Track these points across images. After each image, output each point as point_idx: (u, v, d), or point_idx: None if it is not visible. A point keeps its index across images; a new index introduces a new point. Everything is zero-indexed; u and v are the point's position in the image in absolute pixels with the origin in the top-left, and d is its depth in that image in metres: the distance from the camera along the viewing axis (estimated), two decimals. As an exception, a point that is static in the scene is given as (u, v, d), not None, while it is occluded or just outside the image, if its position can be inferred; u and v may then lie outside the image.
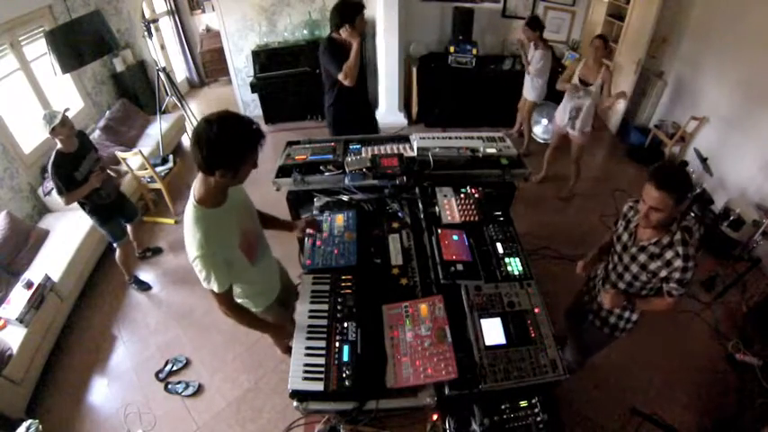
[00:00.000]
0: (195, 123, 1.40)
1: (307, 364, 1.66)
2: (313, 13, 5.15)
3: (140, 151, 3.74)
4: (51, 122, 2.45)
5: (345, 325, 1.77)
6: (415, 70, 5.13)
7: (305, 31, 5.19)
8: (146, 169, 3.88)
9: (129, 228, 3.23)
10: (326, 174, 2.55)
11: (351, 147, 2.85)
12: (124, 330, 3.12)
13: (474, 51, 4.83)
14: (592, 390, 2.55)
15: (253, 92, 5.38)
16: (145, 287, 3.41)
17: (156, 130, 4.67)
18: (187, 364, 2.84)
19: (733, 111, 3.88)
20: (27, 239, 3.24)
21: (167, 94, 4.80)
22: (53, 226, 3.47)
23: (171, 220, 4.08)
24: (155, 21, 6.04)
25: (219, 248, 1.49)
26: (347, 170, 2.52)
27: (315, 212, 2.35)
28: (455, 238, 2.11)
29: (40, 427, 2.19)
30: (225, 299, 1.62)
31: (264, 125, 5.52)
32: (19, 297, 2.70)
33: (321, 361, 1.66)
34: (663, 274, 1.68)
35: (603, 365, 2.59)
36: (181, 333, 3.06)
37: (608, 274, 1.96)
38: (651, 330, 2.67)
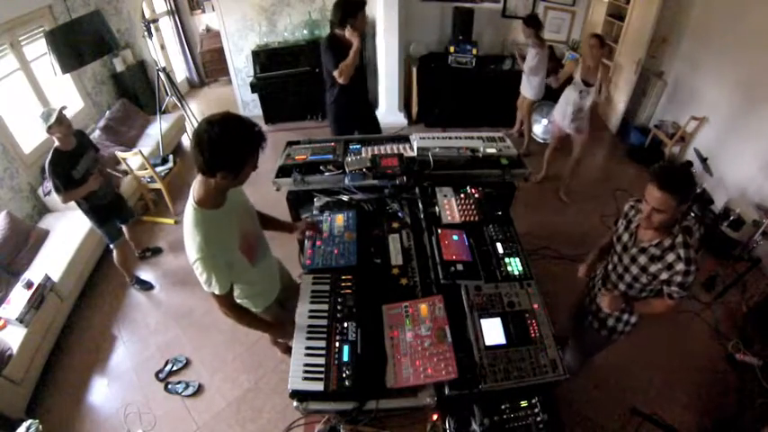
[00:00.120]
0: (196, 124, 1.39)
1: (307, 364, 1.66)
2: (313, 13, 5.15)
3: (140, 151, 3.74)
4: (47, 121, 2.44)
5: (345, 325, 1.77)
6: (415, 70, 5.13)
7: (305, 31, 5.19)
8: (146, 169, 3.88)
9: (124, 229, 3.22)
10: (326, 174, 2.55)
11: (351, 147, 2.85)
12: (124, 330, 3.12)
13: (474, 51, 4.83)
14: (592, 390, 2.55)
15: (253, 92, 5.38)
16: (147, 286, 3.41)
17: (156, 130, 4.67)
18: (187, 364, 2.84)
19: (733, 111, 3.88)
20: (27, 239, 3.24)
21: (167, 94, 4.80)
22: (53, 226, 3.47)
23: (171, 220, 4.08)
24: (155, 21, 6.04)
25: (219, 250, 1.49)
26: (347, 170, 2.52)
27: (315, 212, 2.35)
28: (455, 238, 2.11)
29: (40, 427, 2.19)
30: (226, 300, 1.62)
31: (264, 125, 5.52)
32: (19, 297, 2.70)
33: (321, 361, 1.66)
34: (663, 276, 1.66)
35: (603, 365, 2.59)
36: (181, 333, 3.06)
37: (608, 275, 1.95)
38: (651, 330, 2.67)
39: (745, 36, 3.72)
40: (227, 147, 1.32)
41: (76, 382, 2.78)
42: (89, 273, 3.44)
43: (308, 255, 2.08)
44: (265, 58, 5.11)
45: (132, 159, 3.85)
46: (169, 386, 2.70)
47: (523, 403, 1.60)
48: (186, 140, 5.34)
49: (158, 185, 3.99)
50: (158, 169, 4.02)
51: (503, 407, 1.58)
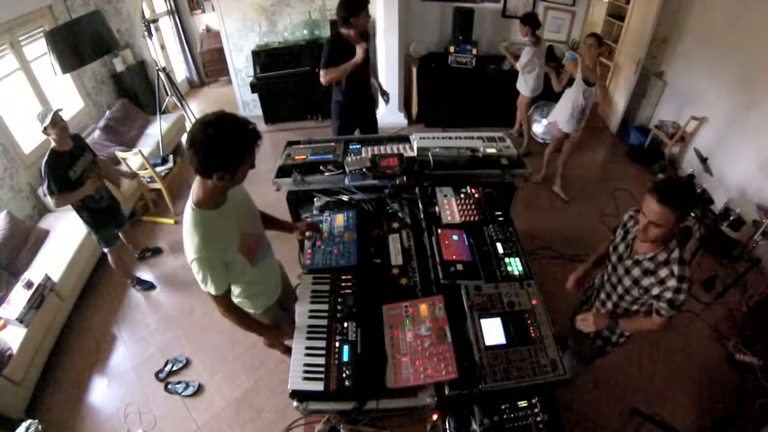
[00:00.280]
0: (191, 125, 1.38)
1: (307, 364, 1.66)
2: (313, 13, 5.15)
3: (140, 151, 3.74)
4: (43, 122, 2.42)
5: (345, 325, 1.77)
6: (415, 70, 5.13)
7: (305, 31, 5.19)
8: (146, 169, 3.88)
9: (121, 234, 3.23)
10: (326, 174, 2.55)
11: (351, 147, 2.85)
12: (124, 330, 3.12)
13: (474, 51, 4.83)
14: (592, 390, 2.55)
15: (253, 92, 5.38)
16: (147, 286, 3.41)
17: (156, 130, 4.67)
18: (187, 364, 2.84)
19: (733, 111, 3.88)
20: (27, 239, 3.24)
21: (167, 94, 4.80)
22: (53, 226, 3.46)
23: (171, 220, 4.09)
24: (155, 21, 6.04)
25: (218, 252, 1.49)
26: (347, 170, 2.52)
27: (315, 212, 2.35)
28: (455, 238, 2.11)
29: (40, 427, 2.19)
30: (222, 300, 1.62)
31: (264, 125, 5.52)
32: (19, 297, 2.70)
33: (321, 361, 1.66)
34: (655, 291, 1.61)
35: (603, 365, 2.58)
36: (181, 333, 3.06)
37: (602, 285, 1.91)
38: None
39: (745, 36, 3.72)
40: (221, 147, 1.31)
41: (76, 382, 2.78)
42: (89, 273, 3.44)
43: (308, 255, 2.09)
44: (265, 58, 5.12)
45: (132, 159, 3.85)
46: (169, 386, 2.70)
47: (523, 403, 1.60)
48: (185, 139, 5.33)
49: (158, 185, 3.99)
50: (158, 169, 4.02)
51: (503, 407, 1.58)
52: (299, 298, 1.91)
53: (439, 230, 2.15)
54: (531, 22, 4.06)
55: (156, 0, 6.30)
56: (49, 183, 2.51)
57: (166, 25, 6.58)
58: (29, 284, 2.77)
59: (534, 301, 1.84)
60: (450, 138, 2.82)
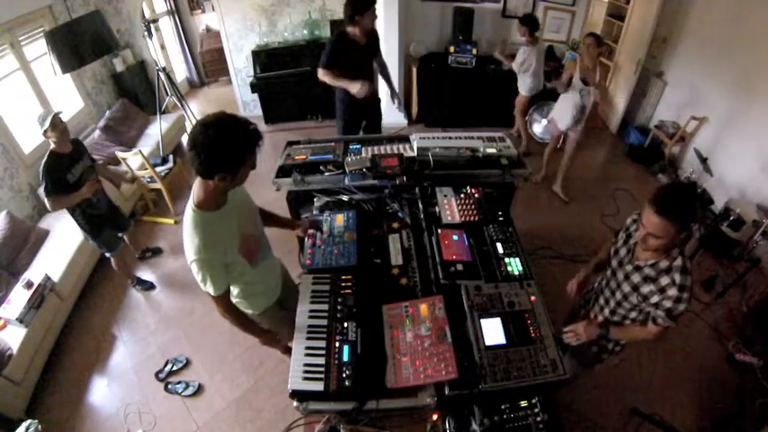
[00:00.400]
0: (192, 126, 1.38)
1: (307, 364, 1.66)
2: (313, 13, 5.15)
3: (140, 151, 3.74)
4: (43, 124, 2.41)
5: (345, 325, 1.77)
6: (415, 70, 5.13)
7: (305, 31, 5.19)
8: (146, 169, 3.88)
9: (125, 237, 3.23)
10: (326, 174, 2.55)
11: (351, 147, 2.85)
12: (124, 330, 3.12)
13: (474, 51, 4.83)
14: (592, 390, 2.55)
15: (253, 92, 5.38)
16: (148, 286, 3.41)
17: (156, 130, 4.67)
18: (187, 364, 2.84)
19: (733, 111, 3.88)
20: (27, 239, 3.24)
21: (167, 94, 4.80)
22: (53, 226, 3.46)
23: (171, 220, 4.09)
24: (155, 21, 6.05)
25: (218, 253, 1.49)
26: (347, 170, 2.52)
27: (315, 212, 2.34)
28: (455, 238, 2.11)
29: (40, 427, 2.19)
30: (222, 301, 1.63)
31: (264, 125, 5.52)
32: (19, 297, 2.70)
33: (321, 361, 1.66)
34: (654, 299, 1.56)
35: (603, 366, 2.59)
36: (181, 333, 3.06)
37: (602, 289, 1.87)
38: (651, 330, 2.67)
39: (745, 36, 3.72)
40: (222, 149, 1.31)
41: (76, 382, 2.78)
42: (89, 273, 3.44)
43: (308, 255, 2.08)
44: (265, 58, 5.12)
45: (132, 159, 3.85)
46: (169, 386, 2.70)
47: (523, 403, 1.59)
48: (186, 140, 5.33)
49: (158, 185, 3.99)
50: (158, 169, 4.02)
51: (503, 407, 1.58)
52: (299, 298, 1.91)
53: (439, 230, 2.14)
54: (529, 22, 4.10)
55: (156, 0, 6.30)
56: (46, 184, 2.49)
57: (166, 25, 6.58)
58: (29, 284, 2.77)
59: (533, 298, 1.84)
60: (450, 138, 2.82)
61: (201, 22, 6.96)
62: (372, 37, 3.20)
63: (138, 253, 3.62)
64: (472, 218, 2.26)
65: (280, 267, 2.09)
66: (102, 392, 2.73)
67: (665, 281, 1.53)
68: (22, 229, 3.25)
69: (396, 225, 2.23)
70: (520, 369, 1.62)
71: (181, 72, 6.97)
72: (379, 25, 4.79)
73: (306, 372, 1.64)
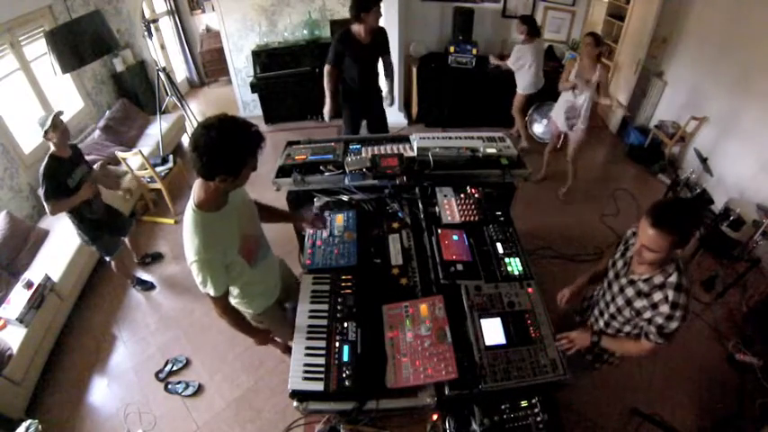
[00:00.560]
0: (194, 127, 1.38)
1: (307, 364, 1.66)
2: (313, 13, 5.15)
3: (140, 151, 3.74)
4: (44, 125, 2.39)
5: (345, 325, 1.77)
6: (415, 70, 5.13)
7: (305, 31, 5.19)
8: (146, 169, 3.88)
9: (126, 240, 3.20)
10: (326, 174, 2.55)
11: (351, 147, 2.85)
12: (124, 330, 3.12)
13: (474, 51, 4.83)
14: (592, 390, 2.55)
15: (253, 92, 5.38)
16: (147, 286, 3.41)
17: (156, 130, 4.67)
18: (187, 364, 2.84)
19: (733, 111, 3.88)
20: (27, 239, 3.24)
21: (167, 94, 4.80)
22: (53, 226, 3.46)
23: (171, 220, 4.09)
24: (155, 21, 6.04)
25: (217, 254, 1.49)
26: (347, 170, 2.52)
27: (315, 212, 2.34)
28: (455, 238, 2.11)
29: (40, 427, 2.19)
30: (221, 302, 1.63)
31: (264, 125, 5.52)
32: (19, 297, 2.70)
33: (321, 361, 1.66)
34: (647, 315, 1.53)
35: (603, 366, 2.59)
36: (181, 333, 3.06)
37: (598, 300, 1.85)
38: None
39: (745, 36, 3.72)
40: (224, 151, 1.31)
41: (76, 382, 2.78)
42: (89, 273, 3.44)
43: (308, 255, 2.09)
44: (265, 58, 5.12)
45: (132, 159, 3.85)
46: (169, 386, 2.70)
47: (523, 403, 1.60)
48: (186, 140, 5.33)
49: (158, 185, 3.99)
50: (158, 169, 4.02)
51: (503, 407, 1.59)
52: (299, 298, 1.91)
53: (439, 230, 2.15)
54: (530, 22, 4.18)
55: (156, 0, 6.30)
56: (46, 189, 2.45)
57: (166, 25, 6.57)
58: (29, 284, 2.77)
59: (530, 290, 1.85)
60: (450, 138, 2.82)
61: (201, 22, 6.96)
62: (380, 36, 3.24)
63: (137, 258, 3.57)
64: (472, 218, 2.26)
65: (279, 267, 2.09)
66: (102, 392, 2.73)
67: (657, 296, 1.49)
68: (22, 229, 3.25)
69: (396, 225, 2.23)
70: (520, 369, 1.62)
71: (181, 72, 6.97)
72: (380, 25, 4.81)
73: (306, 372, 1.64)
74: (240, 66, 5.48)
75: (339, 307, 1.84)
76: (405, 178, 2.45)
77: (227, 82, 6.31)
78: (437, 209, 2.31)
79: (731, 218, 3.35)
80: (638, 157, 4.81)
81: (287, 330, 1.92)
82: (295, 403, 1.60)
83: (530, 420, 1.56)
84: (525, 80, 4.44)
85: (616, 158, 4.99)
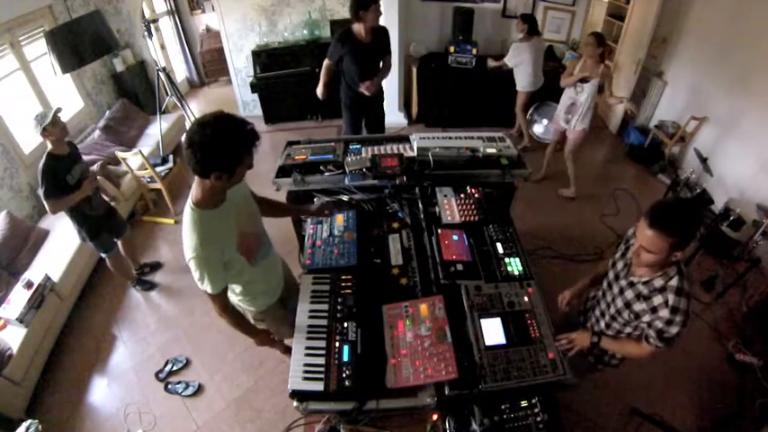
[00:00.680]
0: (189, 125, 1.39)
1: (307, 364, 1.66)
2: (313, 13, 5.15)
3: (140, 151, 3.74)
4: (43, 122, 2.36)
5: (345, 325, 1.77)
6: (415, 70, 5.13)
7: (305, 31, 5.19)
8: (146, 169, 3.88)
9: (119, 243, 3.13)
10: (326, 174, 2.55)
11: (351, 147, 2.85)
12: (124, 330, 3.12)
13: (474, 51, 4.83)
14: (592, 390, 2.55)
15: (253, 92, 5.38)
16: (147, 286, 3.41)
17: (156, 130, 4.67)
18: (187, 364, 2.84)
19: (733, 111, 3.88)
20: (27, 239, 3.23)
21: (167, 94, 4.80)
22: (53, 226, 3.46)
23: (171, 220, 4.09)
24: (155, 21, 6.05)
25: (215, 251, 1.49)
26: (347, 170, 2.52)
27: (312, 219, 2.33)
28: (455, 238, 2.11)
29: (40, 427, 2.19)
30: (219, 300, 1.63)
31: (264, 125, 5.52)
32: (19, 297, 2.70)
33: (321, 361, 1.66)
34: (646, 318, 1.51)
35: (605, 367, 2.59)
36: (181, 333, 3.06)
37: (599, 301, 1.84)
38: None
39: (745, 36, 3.72)
40: (219, 147, 1.31)
41: (76, 382, 2.78)
42: (89, 273, 3.44)
43: (308, 255, 2.08)
44: (265, 58, 5.12)
45: (132, 159, 3.85)
46: (169, 386, 2.70)
47: (523, 403, 1.60)
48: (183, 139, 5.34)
49: (158, 185, 3.99)
50: (158, 169, 4.02)
51: (503, 407, 1.58)
52: (299, 298, 1.91)
53: (439, 230, 2.15)
54: (530, 21, 4.21)
55: (156, 0, 6.30)
56: (46, 187, 2.43)
57: (166, 25, 6.58)
58: (29, 284, 2.77)
59: (530, 290, 1.85)
60: (450, 138, 2.82)
61: (201, 22, 6.96)
62: (381, 35, 3.24)
63: (136, 268, 3.47)
64: (472, 218, 2.26)
65: (281, 266, 2.09)
66: (102, 392, 2.73)
67: (657, 300, 1.46)
68: (22, 229, 3.25)
69: (396, 225, 2.23)
70: (520, 369, 1.62)
71: (181, 72, 6.97)
72: (382, 24, 4.81)
73: (306, 372, 1.64)
74: (240, 66, 5.48)
75: (339, 307, 1.84)
76: (405, 178, 2.45)
77: (227, 82, 6.31)
78: (437, 209, 2.31)
79: (731, 218, 3.35)
80: (638, 157, 4.80)
81: (288, 330, 1.92)
82: (295, 403, 1.60)
83: (530, 420, 1.56)
84: (524, 78, 4.45)
85: (616, 158, 4.99)
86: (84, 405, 2.66)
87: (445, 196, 2.39)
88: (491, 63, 4.71)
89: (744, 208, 3.38)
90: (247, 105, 5.81)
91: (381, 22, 3.33)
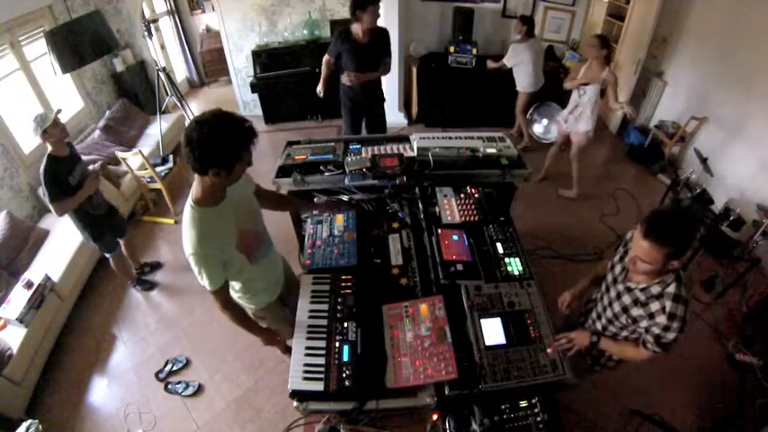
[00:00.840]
0: (188, 123, 1.40)
1: (307, 364, 1.66)
2: (313, 13, 5.15)
3: (140, 151, 3.74)
4: (43, 124, 2.34)
5: (345, 325, 1.77)
6: (415, 70, 5.13)
7: (305, 31, 5.19)
8: (146, 169, 3.88)
9: (121, 243, 3.15)
10: (326, 174, 2.55)
11: (351, 147, 2.85)
12: (124, 330, 3.12)
13: (474, 51, 4.83)
14: (592, 390, 2.55)
15: (253, 92, 5.38)
16: (147, 286, 3.41)
17: (156, 130, 4.67)
18: (187, 364, 2.84)
19: (733, 111, 3.88)
20: (27, 239, 3.24)
21: (167, 94, 4.80)
22: (53, 226, 3.46)
23: (171, 220, 4.09)
24: (155, 21, 6.04)
25: (214, 249, 1.50)
26: (347, 170, 2.52)
27: (315, 212, 2.34)
28: (455, 238, 2.11)
29: (40, 427, 2.19)
30: (219, 296, 1.64)
31: (264, 125, 5.52)
32: (19, 297, 2.70)
33: (321, 361, 1.66)
34: (643, 324, 1.51)
35: (602, 369, 2.59)
36: (181, 333, 3.06)
37: (596, 303, 1.84)
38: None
39: (745, 36, 3.72)
40: (216, 145, 1.32)
41: (76, 382, 2.78)
42: (89, 273, 3.44)
43: (308, 255, 2.08)
44: (265, 58, 5.12)
45: (132, 159, 3.85)
46: (169, 386, 2.70)
47: (523, 403, 1.60)
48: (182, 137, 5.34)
49: (158, 185, 3.99)
50: (158, 169, 4.02)
51: (503, 407, 1.58)
52: (299, 298, 1.91)
53: (439, 230, 2.14)
54: (530, 23, 4.23)
55: (156, 0, 6.30)
56: (50, 190, 2.43)
57: (166, 25, 6.57)
58: (29, 284, 2.77)
59: (530, 290, 1.84)
60: (450, 138, 2.82)
61: (201, 22, 6.96)
62: (380, 36, 3.24)
63: (136, 267, 3.47)
64: (472, 218, 2.26)
65: (282, 264, 2.10)
66: (102, 392, 2.73)
67: (654, 306, 1.46)
68: (22, 229, 3.25)
69: (396, 225, 2.23)
70: (520, 369, 1.62)
71: (181, 72, 6.96)
72: (380, 25, 4.81)
73: (306, 372, 1.64)
74: (240, 66, 5.48)
75: (339, 307, 1.84)
76: (405, 178, 2.44)
77: (227, 82, 6.31)
78: (437, 209, 2.31)
79: (731, 218, 3.35)
80: (638, 157, 4.80)
81: (288, 329, 1.92)
82: (295, 403, 1.60)
83: (530, 420, 1.56)
84: (525, 79, 4.45)
85: (616, 158, 4.99)
86: (84, 405, 2.66)
87: (445, 196, 2.39)
88: (490, 64, 4.72)
89: (744, 208, 3.37)
90: (247, 105, 5.81)
91: (382, 22, 3.35)
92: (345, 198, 2.42)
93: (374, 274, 1.97)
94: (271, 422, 2.48)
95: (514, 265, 2.00)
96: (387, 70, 3.45)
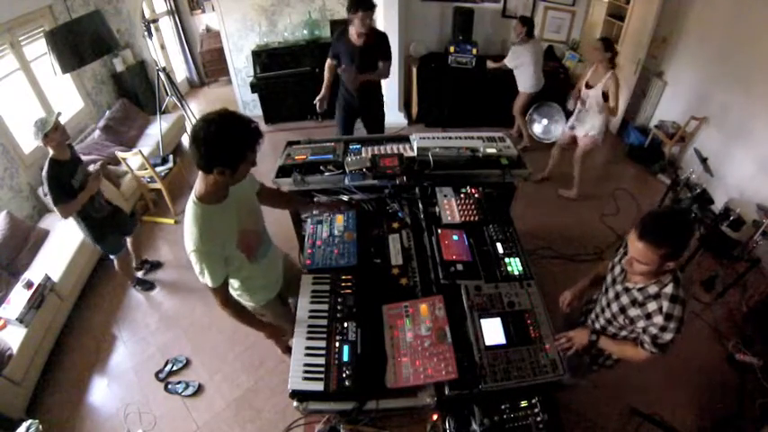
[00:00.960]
0: (194, 122, 1.41)
1: (307, 364, 1.66)
2: (313, 13, 5.15)
3: (140, 151, 3.74)
4: (44, 129, 2.34)
5: (345, 325, 1.77)
6: (415, 70, 5.13)
7: (305, 31, 5.19)
8: (146, 169, 3.88)
9: (128, 241, 3.16)
10: (326, 174, 2.55)
11: (351, 147, 2.85)
12: (124, 330, 3.12)
13: (474, 51, 4.83)
14: (591, 390, 2.54)
15: (253, 92, 5.38)
16: (147, 286, 3.41)
17: (156, 130, 4.67)
18: (187, 364, 2.84)
19: (733, 110, 3.88)
20: (27, 239, 3.23)
21: (167, 94, 4.80)
22: (53, 226, 3.46)
23: (171, 220, 4.09)
24: (155, 21, 6.04)
25: (215, 246, 1.51)
26: (347, 170, 2.52)
27: (315, 212, 2.34)
28: (455, 238, 2.11)
29: (40, 427, 2.19)
30: (220, 293, 1.64)
31: (264, 125, 5.52)
32: (19, 297, 2.70)
33: (321, 361, 1.66)
34: (641, 324, 1.51)
35: (600, 369, 2.59)
36: (181, 333, 3.06)
37: (596, 303, 1.85)
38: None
39: (745, 36, 3.72)
40: (223, 143, 1.34)
41: (76, 382, 2.78)
42: (89, 273, 3.44)
43: (308, 255, 2.09)
44: (265, 58, 5.12)
45: (132, 159, 3.85)
46: (169, 386, 2.70)
47: (523, 403, 1.60)
48: (186, 140, 5.33)
49: (158, 185, 3.99)
50: (158, 169, 4.02)
51: (503, 407, 1.59)
52: (299, 298, 1.91)
53: (439, 230, 2.14)
54: (529, 24, 4.24)
55: (156, 0, 6.30)
56: (54, 194, 2.44)
57: (166, 25, 6.57)
58: (29, 284, 2.77)
59: (530, 290, 1.84)
60: (450, 138, 2.82)
61: (201, 22, 6.96)
62: (378, 40, 3.20)
63: (136, 263, 3.48)
64: (472, 218, 2.26)
65: (282, 262, 2.10)
66: (102, 392, 2.73)
67: (651, 307, 1.47)
68: (22, 229, 3.25)
69: (396, 225, 2.23)
70: (520, 369, 1.62)
71: (181, 72, 6.96)
72: (379, 25, 4.81)
73: (306, 372, 1.64)
74: (240, 66, 5.48)
75: (339, 307, 1.84)
76: (405, 178, 2.44)
77: (227, 82, 6.31)
78: (437, 209, 2.31)
79: (731, 218, 3.35)
80: (638, 157, 4.81)
81: (289, 327, 1.93)
82: (295, 403, 1.60)
83: (530, 420, 1.56)
84: (527, 79, 4.45)
85: (616, 158, 4.99)
86: (84, 405, 2.66)
87: (445, 196, 2.39)
88: (490, 65, 4.72)
89: (744, 208, 3.37)
90: (247, 105, 5.81)
91: (382, 22, 3.36)
92: (345, 198, 2.42)
93: (374, 274, 1.97)
94: (271, 422, 2.48)
95: (514, 265, 2.00)
96: (386, 74, 3.40)
